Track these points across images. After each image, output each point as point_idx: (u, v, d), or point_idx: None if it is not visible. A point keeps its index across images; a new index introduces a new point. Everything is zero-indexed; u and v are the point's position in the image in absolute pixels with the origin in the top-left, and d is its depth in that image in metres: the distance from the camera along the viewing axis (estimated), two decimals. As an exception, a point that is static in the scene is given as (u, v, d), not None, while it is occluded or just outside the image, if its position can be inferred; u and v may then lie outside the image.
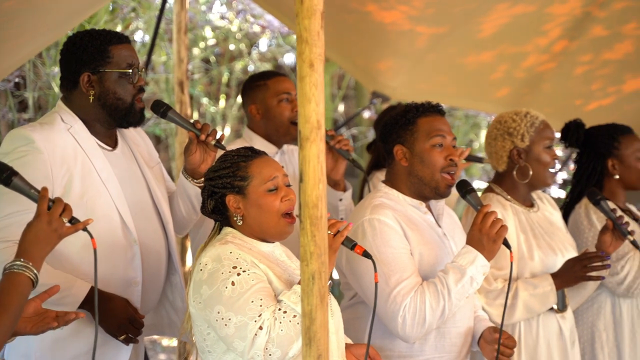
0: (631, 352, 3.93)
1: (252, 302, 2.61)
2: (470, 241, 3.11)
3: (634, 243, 3.68)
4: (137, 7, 6.58)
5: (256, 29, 7.81)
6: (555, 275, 3.62)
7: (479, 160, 4.34)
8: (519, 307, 3.55)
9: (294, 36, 8.05)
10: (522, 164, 3.70)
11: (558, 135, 4.18)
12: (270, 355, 2.59)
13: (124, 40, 3.23)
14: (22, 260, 2.44)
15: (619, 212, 3.82)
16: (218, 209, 2.83)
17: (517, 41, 5.07)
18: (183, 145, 4.57)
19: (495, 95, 5.59)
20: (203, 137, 3.22)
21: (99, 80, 3.18)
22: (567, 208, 4.09)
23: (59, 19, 4.10)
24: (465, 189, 3.21)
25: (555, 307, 3.65)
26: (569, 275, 3.61)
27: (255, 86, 4.07)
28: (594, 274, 3.62)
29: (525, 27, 4.92)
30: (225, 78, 8.56)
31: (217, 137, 3.25)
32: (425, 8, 4.70)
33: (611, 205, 3.96)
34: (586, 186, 4.07)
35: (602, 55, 5.15)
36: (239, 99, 8.63)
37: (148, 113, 5.11)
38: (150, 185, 3.32)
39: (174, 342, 7.96)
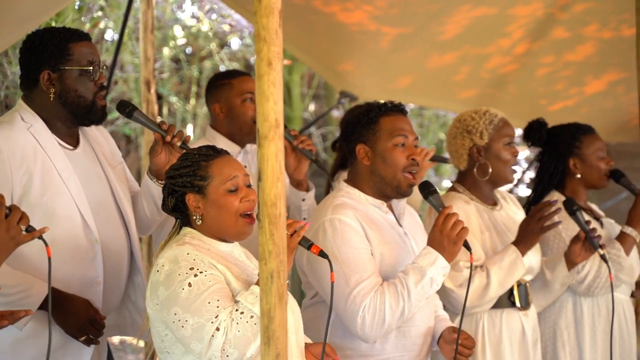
0: (592, 351, 3.96)
1: (209, 303, 2.60)
2: (431, 242, 3.12)
3: (603, 257, 3.71)
4: (105, 6, 6.55)
5: (226, 28, 7.80)
6: (516, 242, 3.64)
7: (444, 160, 4.35)
8: (493, 285, 3.57)
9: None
10: (481, 162, 3.71)
11: (520, 132, 4.21)
12: (227, 356, 2.58)
13: (83, 37, 3.20)
14: None
15: (593, 225, 3.83)
16: (178, 207, 2.82)
17: (480, 43, 5.10)
18: (149, 145, 4.56)
19: (461, 95, 5.62)
20: (168, 138, 3.21)
21: (59, 78, 3.15)
22: (529, 207, 4.11)
23: (24, 16, 4.07)
24: (427, 190, 3.22)
25: (518, 304, 3.68)
26: (527, 234, 3.63)
27: (219, 85, 4.05)
28: (548, 222, 3.64)
29: (487, 29, 4.95)
30: (195, 77, 8.54)
31: (183, 138, 3.23)
32: (389, 8, 4.71)
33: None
34: (548, 185, 4.10)
35: (564, 57, 5.19)
36: (210, 98, 8.62)
37: (116, 113, 5.07)
38: (113, 185, 3.30)
39: (142, 343, 7.93)
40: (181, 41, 8.26)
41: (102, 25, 6.86)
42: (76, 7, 6.09)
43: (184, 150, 3.19)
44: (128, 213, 3.32)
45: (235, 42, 8.62)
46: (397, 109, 3.27)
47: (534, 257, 3.74)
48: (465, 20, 4.83)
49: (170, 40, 8.01)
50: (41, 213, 3.08)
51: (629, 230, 3.94)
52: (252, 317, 2.59)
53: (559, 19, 4.89)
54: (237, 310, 2.60)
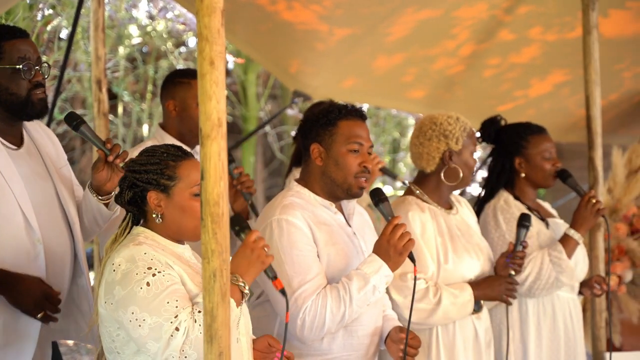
0: (537, 349, 4.01)
1: (168, 303, 2.59)
2: (377, 250, 3.15)
3: (510, 276, 3.75)
4: (57, 4, 6.48)
5: (180, 27, 7.76)
6: (475, 286, 3.68)
7: (393, 176, 4.38)
8: (439, 313, 3.60)
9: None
10: (452, 166, 3.73)
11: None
12: (185, 357, 2.57)
13: (18, 35, 3.18)
14: None
15: (525, 245, 3.84)
16: (135, 201, 2.78)
17: (427, 44, 5.13)
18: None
19: (410, 95, 5.66)
20: (111, 158, 3.19)
21: None
22: (479, 206, 4.15)
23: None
24: (377, 197, 3.24)
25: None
26: (491, 292, 3.71)
27: (177, 82, 4.00)
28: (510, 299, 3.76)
29: (434, 31, 4.98)
30: (151, 76, 8.49)
31: (126, 159, 3.18)
32: (335, 8, 4.73)
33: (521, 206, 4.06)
34: (497, 184, 4.15)
35: (510, 58, 5.24)
36: (166, 98, 8.58)
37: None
38: (57, 186, 3.28)
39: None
40: (136, 40, 8.21)
41: (55, 23, 6.79)
42: (27, 5, 6.02)
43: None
44: (72, 214, 3.30)
45: (192, 41, 8.58)
46: (357, 114, 3.28)
47: (484, 262, 3.78)
48: (411, 22, 4.87)
49: (125, 39, 7.96)
50: None
51: (571, 232, 4.00)
52: None
53: (503, 21, 4.94)
54: (198, 311, 2.58)
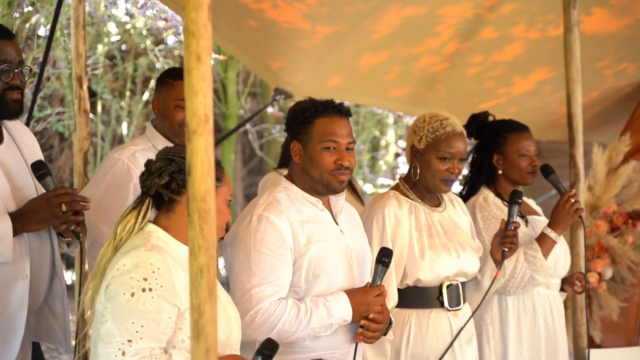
0: (517, 346, 4.02)
1: (133, 323, 2.57)
2: (352, 297, 3.22)
3: (502, 252, 3.74)
4: (36, 1, 6.44)
5: (160, 24, 7.74)
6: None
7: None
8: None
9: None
10: (414, 164, 3.73)
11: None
12: None
13: (3, 36, 3.18)
14: None
15: (515, 225, 3.83)
16: (171, 187, 2.73)
17: (410, 42, 5.14)
18: (81, 142, 4.51)
19: (394, 93, 5.67)
20: (63, 218, 3.17)
21: None
22: (464, 201, 4.16)
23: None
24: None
25: (446, 304, 3.68)
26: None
27: (163, 82, 4.00)
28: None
29: (417, 29, 5.00)
30: (130, 74, 8.46)
31: (73, 226, 3.21)
32: (320, 6, 4.73)
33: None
34: (477, 180, 4.16)
35: (493, 56, 5.26)
36: (145, 96, 8.55)
37: (49, 109, 4.93)
38: (36, 184, 3.27)
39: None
40: (115, 38, 8.17)
41: (33, 20, 6.74)
42: (6, 2, 5.97)
43: (75, 232, 3.21)
44: None
45: (171, 39, 8.56)
46: (334, 111, 3.26)
47: (466, 261, 3.75)
48: (395, 19, 4.88)
49: (105, 37, 7.92)
50: None
51: (548, 231, 4.01)
52: None
53: (487, 19, 4.96)
54: (165, 352, 2.57)
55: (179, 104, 3.87)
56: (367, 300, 3.21)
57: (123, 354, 2.54)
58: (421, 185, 3.75)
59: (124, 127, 8.67)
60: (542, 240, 4.00)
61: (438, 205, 3.82)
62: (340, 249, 3.29)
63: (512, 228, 3.76)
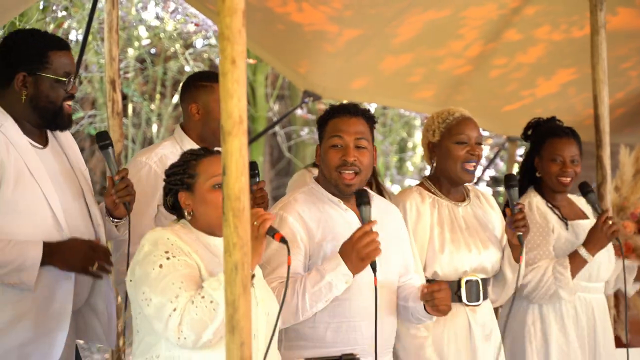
0: (560, 347, 4.05)
1: (173, 284, 2.71)
2: (341, 251, 3.17)
3: (519, 237, 3.72)
4: (69, 5, 6.56)
5: (191, 28, 7.84)
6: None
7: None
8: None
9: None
10: (433, 158, 3.81)
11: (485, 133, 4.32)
12: (185, 338, 2.68)
13: (64, 47, 3.28)
14: None
15: (520, 206, 3.83)
16: (176, 205, 2.94)
17: (434, 45, 5.18)
18: (115, 144, 4.61)
19: (419, 95, 5.72)
20: (113, 191, 3.30)
21: (34, 82, 3.22)
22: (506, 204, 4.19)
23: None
24: (361, 199, 3.23)
25: (465, 300, 3.72)
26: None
27: (200, 86, 3.98)
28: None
29: (441, 31, 5.03)
30: (160, 77, 8.57)
31: (125, 198, 3.33)
32: (344, 10, 4.79)
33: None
34: (523, 181, 4.21)
35: (516, 58, 5.29)
36: (175, 99, 8.66)
37: (81, 112, 5.00)
38: (82, 186, 3.36)
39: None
40: (145, 42, 8.28)
41: (66, 25, 6.87)
42: (40, 7, 6.09)
43: (126, 204, 3.34)
44: (96, 215, 3.38)
45: (199, 43, 8.66)
46: (345, 111, 3.36)
47: (487, 256, 3.79)
48: (419, 22, 4.93)
49: (135, 40, 8.03)
50: (13, 210, 3.14)
51: (582, 251, 4.03)
52: (211, 302, 2.68)
53: (510, 21, 4.99)
54: (199, 294, 2.69)
55: None
56: (350, 242, 3.15)
57: (174, 309, 2.68)
58: (445, 178, 3.80)
59: (154, 129, 8.79)
60: (574, 258, 4.02)
61: (462, 200, 3.87)
62: None
63: (518, 210, 3.75)
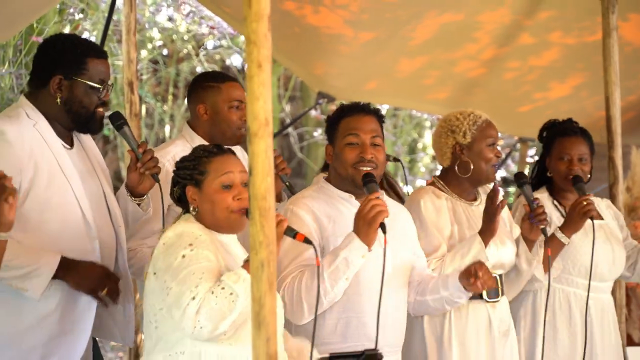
0: (550, 343, 4.08)
1: (194, 274, 2.74)
2: (353, 227, 3.23)
3: (543, 230, 3.83)
4: (86, 8, 6.64)
5: (204, 30, 7.90)
6: (481, 231, 3.75)
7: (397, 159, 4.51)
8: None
9: (242, 37, 8.16)
10: (464, 159, 3.85)
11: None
12: (201, 327, 2.70)
13: (102, 55, 3.34)
14: None
15: (540, 202, 3.92)
16: (183, 198, 2.97)
17: (449, 48, 5.23)
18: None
19: (433, 97, 5.77)
20: (139, 165, 3.34)
21: (69, 86, 3.28)
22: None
23: (10, 19, 4.15)
24: (366, 179, 3.32)
25: (485, 296, 3.79)
26: (487, 221, 3.75)
27: (207, 87, 3.97)
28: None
29: (456, 35, 5.07)
30: (172, 78, 8.64)
31: (155, 168, 3.35)
32: (361, 13, 4.85)
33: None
34: (535, 182, 4.26)
35: (530, 61, 5.34)
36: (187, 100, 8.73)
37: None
38: (103, 185, 3.42)
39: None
40: (158, 43, 8.36)
41: (81, 28, 6.94)
42: (57, 10, 6.17)
43: (154, 176, 3.36)
44: (117, 215, 3.43)
45: (210, 44, 8.72)
46: (358, 109, 3.42)
47: (505, 252, 3.86)
48: (434, 25, 4.98)
49: (148, 42, 8.10)
50: (45, 208, 3.20)
51: (557, 233, 4.06)
52: (231, 294, 2.72)
53: (524, 25, 5.03)
54: (219, 285, 2.73)
55: (233, 104, 3.90)
56: (357, 214, 3.20)
57: (193, 298, 2.71)
58: (472, 179, 3.87)
59: (167, 130, 8.87)
60: (551, 241, 4.02)
61: (474, 199, 3.95)
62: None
63: (537, 205, 3.84)
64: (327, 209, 3.37)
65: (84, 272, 3.20)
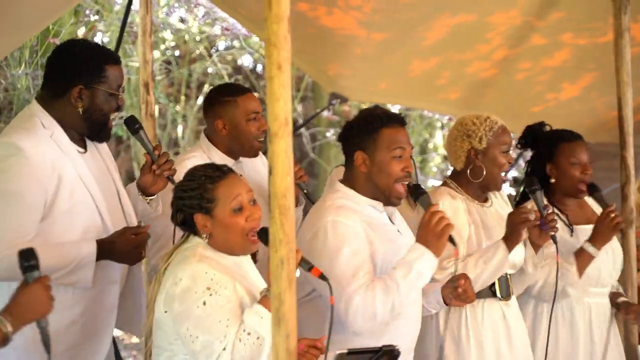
0: (552, 352, 4.10)
1: (220, 322, 2.79)
2: (419, 239, 3.29)
3: (552, 237, 3.85)
4: (101, 10, 6.69)
5: (217, 31, 7.96)
6: (504, 239, 3.79)
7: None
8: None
9: (254, 38, 8.21)
10: (477, 164, 3.88)
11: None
12: None
13: (117, 60, 3.39)
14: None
15: (551, 209, 3.98)
16: (187, 222, 2.98)
17: (461, 49, 5.25)
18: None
19: (445, 97, 5.80)
20: (155, 167, 3.40)
21: (90, 95, 3.31)
22: (515, 205, 4.28)
23: (24, 24, 4.19)
24: (417, 191, 3.42)
25: (498, 295, 3.84)
26: (517, 234, 3.78)
27: (223, 102, 4.01)
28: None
29: (468, 36, 5.09)
30: (185, 79, 8.69)
31: (170, 171, 3.42)
32: (374, 14, 4.88)
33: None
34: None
35: (542, 62, 5.36)
36: (199, 101, 8.79)
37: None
38: (117, 186, 3.47)
39: (134, 339, 8.07)
40: (171, 44, 8.42)
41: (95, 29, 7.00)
42: (73, 12, 6.23)
43: (170, 178, 3.40)
44: (132, 216, 3.49)
45: (221, 45, 8.77)
46: (397, 121, 3.45)
47: (516, 253, 3.88)
48: (446, 27, 5.00)
49: (161, 43, 8.16)
50: (68, 219, 3.24)
51: (586, 245, 4.09)
52: (257, 338, 2.78)
53: (535, 26, 5.04)
54: (244, 330, 2.78)
55: (250, 116, 3.95)
56: (422, 227, 3.28)
57: (224, 349, 2.77)
58: (482, 183, 3.90)
59: (179, 130, 8.92)
60: (580, 254, 4.08)
61: (486, 201, 3.99)
62: (401, 248, 3.43)
63: (549, 212, 3.87)
64: (362, 217, 3.39)
65: (121, 249, 3.26)
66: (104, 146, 3.53)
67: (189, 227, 2.98)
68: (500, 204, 4.07)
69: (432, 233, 3.25)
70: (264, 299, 2.80)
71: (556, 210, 4.18)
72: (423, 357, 3.76)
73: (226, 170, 2.99)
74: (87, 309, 3.29)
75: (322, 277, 2.87)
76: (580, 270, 4.10)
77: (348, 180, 3.48)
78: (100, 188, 3.35)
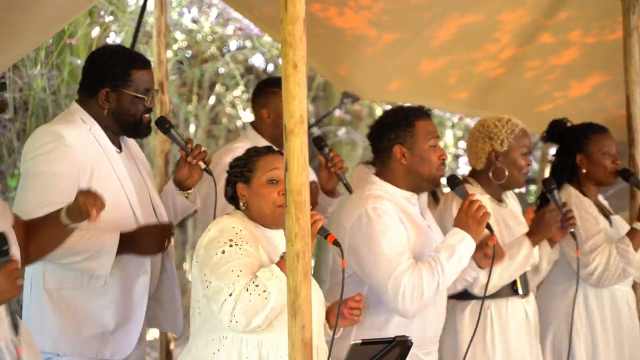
0: (604, 339, 4.19)
1: (232, 271, 2.90)
2: (458, 224, 3.47)
3: (572, 234, 3.98)
4: (115, 10, 6.77)
5: (229, 31, 8.03)
6: (529, 233, 3.92)
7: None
8: (494, 278, 3.81)
9: (266, 38, 8.29)
10: (498, 166, 3.97)
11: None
12: (236, 322, 2.88)
13: (145, 65, 3.52)
14: None
15: (569, 207, 4.07)
16: (234, 196, 3.16)
17: (470, 48, 5.30)
18: (162, 144, 4.87)
19: (455, 96, 5.86)
20: (190, 158, 3.52)
21: (116, 97, 3.46)
22: (542, 200, 4.29)
23: (41, 25, 4.27)
24: (454, 182, 3.62)
25: (520, 292, 3.94)
26: (547, 230, 3.92)
27: (270, 92, 4.35)
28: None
29: (476, 35, 5.14)
30: (197, 79, 8.76)
31: (206, 160, 3.54)
32: (383, 14, 4.95)
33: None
34: (560, 179, 4.32)
35: (550, 61, 5.41)
36: (211, 100, 8.87)
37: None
38: (149, 187, 3.59)
39: (150, 336, 8.14)
40: (183, 44, 8.49)
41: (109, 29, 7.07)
42: (87, 13, 6.30)
43: (207, 169, 3.53)
44: (163, 215, 3.60)
45: (233, 45, 8.85)
46: (427, 114, 3.64)
47: (535, 249, 3.96)
48: (455, 27, 5.05)
49: (174, 43, 8.24)
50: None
51: (638, 225, 4.17)
52: (264, 291, 2.87)
53: (543, 25, 5.08)
54: (253, 282, 2.89)
55: None
56: (462, 213, 3.47)
57: (230, 295, 2.88)
58: (504, 184, 4.00)
59: (191, 130, 9.01)
60: (633, 234, 4.16)
61: (501, 200, 4.08)
62: (431, 242, 3.58)
63: (568, 209, 4.01)
64: (398, 208, 3.53)
65: (143, 242, 3.39)
66: (137, 149, 3.67)
67: (236, 202, 3.17)
68: (511, 203, 4.15)
69: (473, 219, 3.44)
70: (281, 261, 2.91)
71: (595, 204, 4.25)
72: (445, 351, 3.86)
73: (274, 150, 3.20)
74: (118, 296, 3.40)
75: (336, 242, 2.96)
76: (636, 249, 4.15)
77: (383, 174, 3.63)
78: (134, 186, 3.48)
